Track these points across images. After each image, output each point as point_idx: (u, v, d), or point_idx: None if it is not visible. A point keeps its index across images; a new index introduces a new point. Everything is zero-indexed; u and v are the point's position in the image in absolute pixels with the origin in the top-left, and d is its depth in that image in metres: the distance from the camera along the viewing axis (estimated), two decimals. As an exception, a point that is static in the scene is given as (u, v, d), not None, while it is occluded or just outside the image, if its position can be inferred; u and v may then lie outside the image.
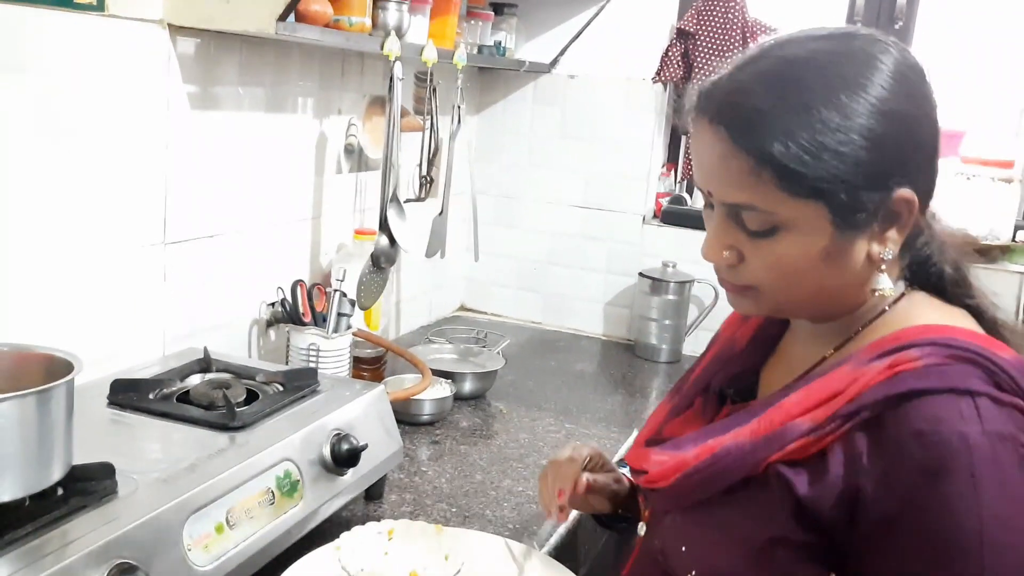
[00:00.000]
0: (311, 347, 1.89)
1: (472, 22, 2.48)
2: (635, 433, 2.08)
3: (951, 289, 1.05)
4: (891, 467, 0.89)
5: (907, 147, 0.95)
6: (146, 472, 1.20)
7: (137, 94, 1.60)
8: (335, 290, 1.94)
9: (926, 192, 0.99)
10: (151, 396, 1.46)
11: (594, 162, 2.84)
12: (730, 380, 1.17)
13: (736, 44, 2.70)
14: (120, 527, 1.06)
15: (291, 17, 1.61)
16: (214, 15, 1.59)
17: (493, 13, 2.55)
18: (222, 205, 1.85)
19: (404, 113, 2.14)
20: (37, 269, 1.46)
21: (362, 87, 2.25)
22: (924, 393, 0.89)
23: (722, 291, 2.79)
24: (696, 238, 2.73)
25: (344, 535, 1.24)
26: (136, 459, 1.24)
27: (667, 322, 2.71)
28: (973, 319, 1.02)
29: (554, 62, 2.82)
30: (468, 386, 2.16)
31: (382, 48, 1.86)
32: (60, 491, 1.10)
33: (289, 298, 1.93)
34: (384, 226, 2.02)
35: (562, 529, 1.57)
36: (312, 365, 1.84)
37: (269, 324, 2.02)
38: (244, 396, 1.49)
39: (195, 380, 1.56)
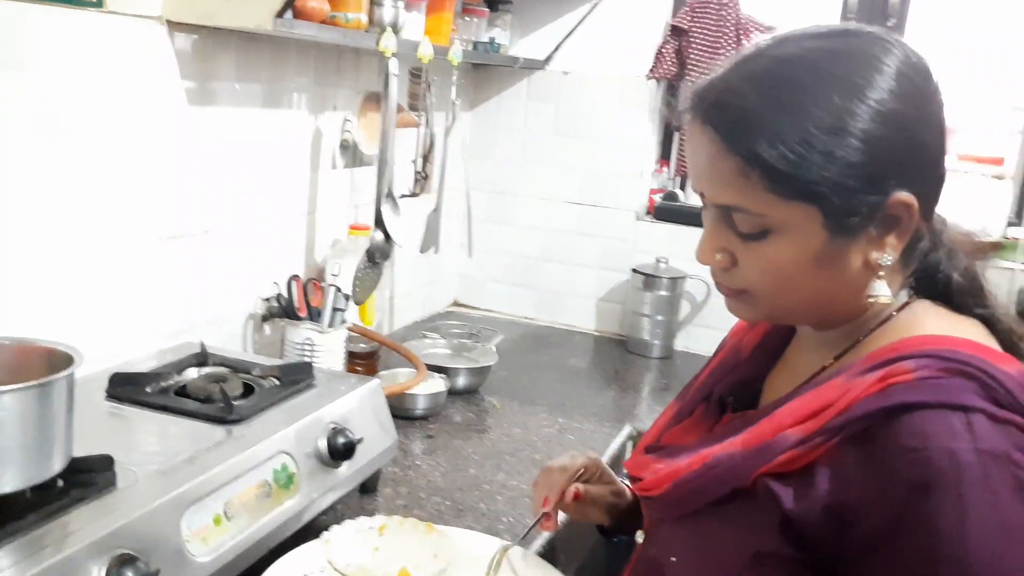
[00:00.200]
0: (306, 341, 1.90)
1: (467, 19, 2.49)
2: (627, 428, 2.10)
3: (959, 298, 1.01)
4: (877, 484, 0.85)
5: (905, 149, 0.92)
6: (145, 464, 1.21)
7: (135, 90, 1.60)
8: (330, 285, 1.95)
9: (928, 196, 0.96)
10: (149, 390, 1.47)
11: (588, 158, 2.86)
12: (733, 388, 1.15)
13: (730, 41, 2.72)
14: (120, 519, 1.07)
15: (288, 13, 1.62)
16: (213, 11, 1.60)
17: (488, 10, 2.57)
18: (218, 200, 1.86)
19: (399, 109, 2.15)
20: (36, 264, 1.47)
21: (357, 83, 2.26)
22: (915, 407, 0.85)
23: (714, 287, 2.82)
24: (689, 234, 2.79)
25: (334, 528, 1.25)
26: (135, 451, 1.25)
27: (659, 318, 2.73)
28: (984, 329, 0.98)
29: (548, 59, 2.84)
30: (462, 381, 2.18)
31: (378, 44, 1.87)
32: (60, 483, 1.11)
33: (285, 293, 1.95)
34: (379, 221, 2.03)
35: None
36: (307, 359, 1.86)
37: (264, 319, 2.03)
38: (241, 390, 1.50)
39: (192, 374, 1.58)
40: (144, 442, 1.33)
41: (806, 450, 0.90)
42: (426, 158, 2.31)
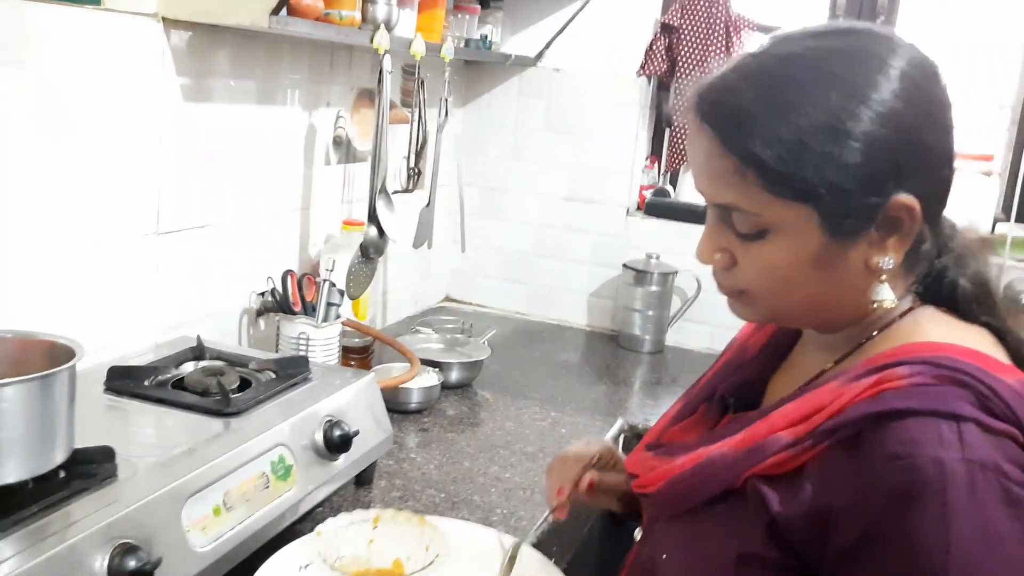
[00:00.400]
0: (301, 336, 1.92)
1: (459, 16, 2.51)
2: (619, 422, 2.12)
3: (966, 305, 0.98)
4: (863, 490, 0.84)
5: (906, 151, 0.90)
6: (144, 456, 1.22)
7: (132, 87, 1.62)
8: (324, 280, 1.97)
9: (932, 198, 0.94)
10: (147, 383, 1.48)
11: (579, 155, 2.88)
12: (736, 388, 1.14)
13: (719, 39, 2.74)
14: (121, 509, 1.09)
15: (283, 11, 1.64)
16: (208, 9, 1.62)
17: (479, 7, 2.58)
18: (213, 196, 1.87)
19: (391, 105, 2.16)
20: (33, 259, 1.49)
21: (350, 80, 2.28)
22: (905, 414, 0.84)
23: (705, 282, 2.83)
24: (679, 230, 2.81)
25: (329, 520, 1.26)
26: (134, 443, 1.27)
27: (650, 313, 2.75)
28: (992, 338, 0.96)
29: (539, 56, 2.85)
30: (455, 375, 2.20)
31: (371, 42, 1.88)
32: (62, 474, 1.12)
33: (279, 288, 1.96)
34: (373, 217, 2.05)
35: (549, 516, 1.61)
36: (302, 354, 1.87)
37: (259, 313, 2.04)
38: (237, 383, 1.51)
39: (189, 368, 1.59)
40: (143, 434, 1.35)
41: (796, 453, 0.89)
42: (419, 154, 2.33)
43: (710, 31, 2.74)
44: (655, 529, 1.09)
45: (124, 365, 1.51)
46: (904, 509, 0.81)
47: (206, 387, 1.47)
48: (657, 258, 2.76)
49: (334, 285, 1.98)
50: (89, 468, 1.15)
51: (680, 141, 2.88)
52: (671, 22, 2.76)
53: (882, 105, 0.89)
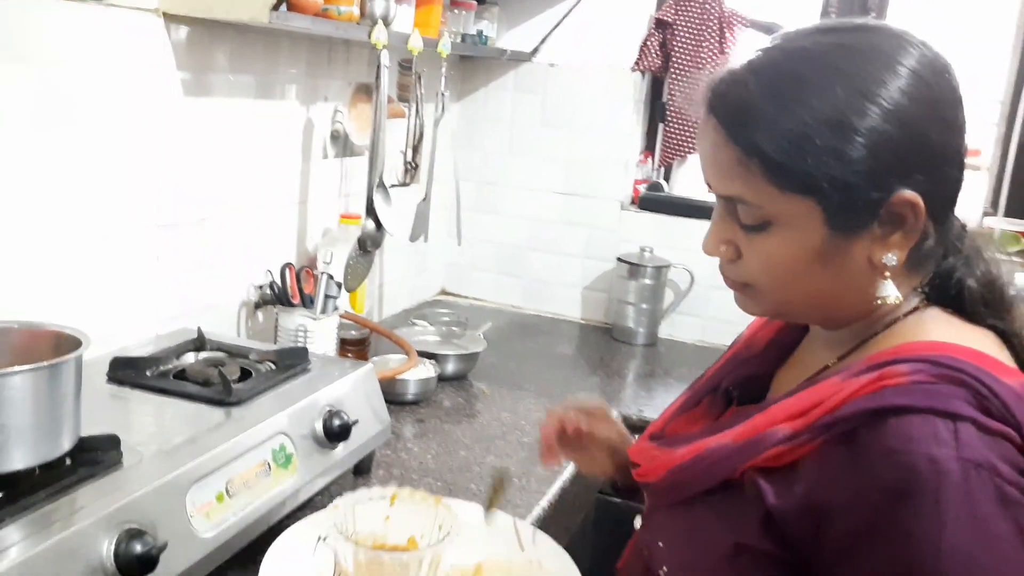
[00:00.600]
0: (299, 328, 1.94)
1: (455, 11, 2.52)
2: (613, 414, 2.14)
3: (973, 307, 0.98)
4: (858, 485, 0.85)
5: (911, 148, 0.90)
6: (148, 444, 1.24)
7: (133, 81, 1.64)
8: (322, 272, 1.99)
9: (938, 197, 0.93)
10: (149, 373, 1.50)
11: (573, 149, 2.90)
12: (741, 382, 1.14)
13: (713, 34, 2.77)
14: (127, 495, 1.10)
15: (283, 6, 1.66)
16: (209, 4, 1.63)
17: (476, 2, 2.60)
18: (213, 189, 1.90)
19: (388, 100, 2.18)
20: (35, 251, 1.51)
21: (347, 75, 2.30)
22: (903, 411, 0.84)
23: (697, 275, 2.85)
24: (673, 224, 2.84)
25: (346, 495, 1.28)
26: (138, 432, 1.29)
27: (644, 306, 2.78)
28: (998, 341, 0.96)
29: (535, 51, 2.88)
30: (451, 367, 2.22)
31: (369, 37, 1.91)
32: (68, 461, 1.14)
33: (278, 280, 1.98)
34: (371, 210, 2.07)
35: (545, 503, 1.64)
36: (300, 345, 1.89)
37: (257, 306, 2.06)
38: (238, 374, 1.54)
39: (190, 358, 1.61)
40: (146, 423, 1.37)
41: (793, 446, 0.90)
42: (416, 148, 2.35)
43: (703, 27, 2.76)
44: (655, 517, 1.11)
45: (126, 356, 1.53)
46: (897, 505, 0.82)
47: (207, 377, 1.49)
48: (651, 252, 2.78)
49: (332, 278, 2.00)
50: (95, 455, 1.17)
51: (674, 136, 2.90)
52: (665, 18, 2.78)
53: (889, 102, 0.89)
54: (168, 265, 1.80)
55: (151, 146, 1.71)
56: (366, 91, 2.30)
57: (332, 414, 1.48)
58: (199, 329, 1.69)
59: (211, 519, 1.21)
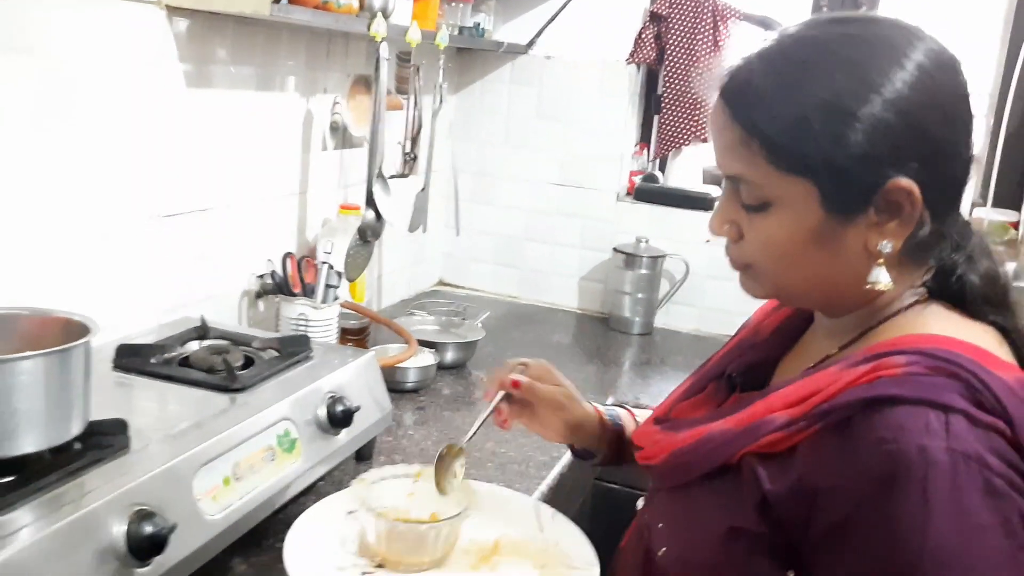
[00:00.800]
0: (300, 317, 1.96)
1: (453, 4, 2.54)
2: (610, 401, 2.17)
3: (974, 303, 0.99)
4: (848, 472, 0.86)
5: (909, 137, 0.92)
6: (155, 429, 1.26)
7: (136, 73, 1.66)
8: (323, 262, 2.01)
9: (935, 189, 0.94)
10: (153, 361, 1.52)
11: (569, 141, 2.92)
12: (745, 368, 1.16)
13: (707, 27, 2.79)
14: (136, 478, 1.12)
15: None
16: (211, -3, 1.66)
17: (472, -5, 2.63)
18: (214, 180, 1.92)
19: (387, 92, 2.20)
20: (38, 241, 1.53)
21: (346, 67, 2.32)
22: (897, 401, 0.86)
23: (693, 265, 2.87)
24: (668, 215, 2.86)
25: (372, 471, 1.31)
26: (144, 417, 1.30)
27: (640, 296, 2.81)
28: (998, 337, 0.98)
29: (531, 43, 2.90)
30: (450, 355, 2.25)
31: (369, 29, 1.93)
32: (77, 445, 1.16)
33: (279, 270, 2.00)
34: (371, 200, 2.09)
35: (544, 487, 1.66)
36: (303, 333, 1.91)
37: (258, 295, 2.08)
38: (242, 361, 1.55)
39: (194, 346, 1.63)
40: (152, 409, 1.39)
41: (790, 433, 0.92)
42: (414, 140, 2.37)
43: (697, 20, 2.79)
44: (656, 499, 1.14)
45: (131, 343, 1.55)
46: (886, 493, 0.83)
47: (211, 365, 1.51)
48: (646, 242, 2.81)
49: (332, 267, 2.02)
50: (104, 440, 1.18)
51: (669, 128, 2.93)
52: (659, 11, 2.81)
53: (891, 92, 0.91)
54: (170, 255, 1.82)
55: (154, 137, 1.73)
56: (364, 83, 2.32)
57: (335, 400, 1.50)
58: (202, 317, 1.71)
59: (218, 502, 1.23)
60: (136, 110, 1.67)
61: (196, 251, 1.89)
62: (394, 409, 1.78)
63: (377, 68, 2.00)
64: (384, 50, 1.98)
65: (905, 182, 0.92)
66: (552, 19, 2.85)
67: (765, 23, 2.72)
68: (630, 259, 2.79)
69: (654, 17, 2.82)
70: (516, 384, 1.32)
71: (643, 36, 2.82)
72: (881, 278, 0.96)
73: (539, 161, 2.96)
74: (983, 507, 0.82)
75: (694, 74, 2.78)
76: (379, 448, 1.74)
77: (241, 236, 2.03)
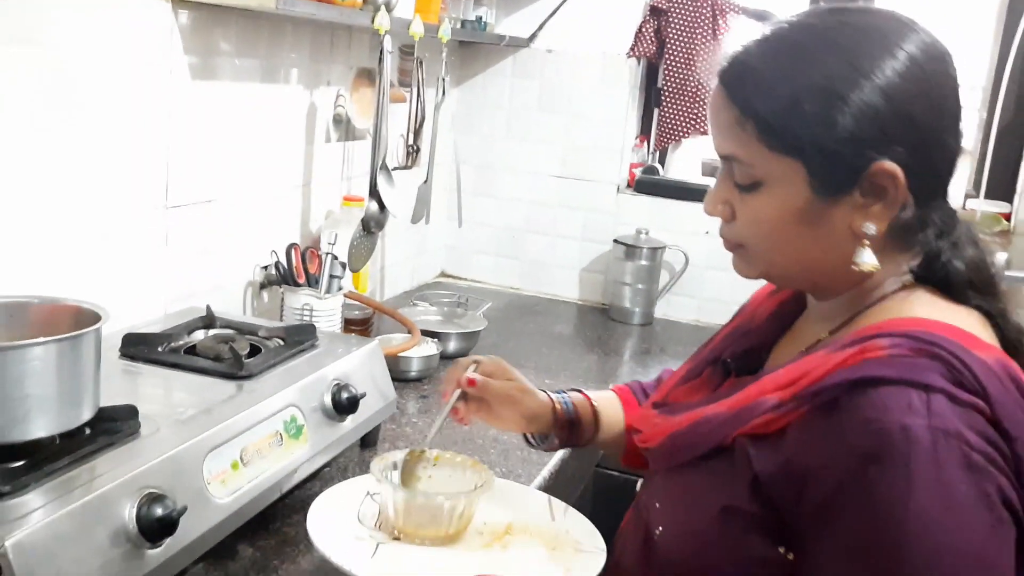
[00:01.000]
0: (305, 307, 1.98)
1: (455, -2, 2.57)
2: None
3: (960, 289, 1.02)
4: (835, 451, 0.89)
5: (895, 123, 0.95)
6: (164, 415, 1.28)
7: (141, 64, 1.68)
8: (327, 253, 2.03)
9: (920, 175, 0.97)
10: (160, 349, 1.54)
11: (570, 134, 2.94)
12: (741, 353, 1.19)
13: (706, 21, 2.81)
14: (146, 462, 1.14)
15: (288, -8, 1.70)
16: (217, -10, 1.68)
17: (475, -12, 2.65)
18: (219, 171, 1.94)
19: (390, 85, 2.22)
20: (46, 231, 1.54)
21: (349, 60, 2.33)
22: (880, 382, 0.88)
23: (692, 256, 2.89)
24: (668, 206, 2.88)
25: (392, 452, 1.33)
26: (153, 404, 1.32)
27: (640, 286, 2.83)
28: (982, 321, 1.00)
29: (532, 37, 2.92)
30: (453, 345, 2.26)
31: (373, 22, 1.94)
32: (88, 430, 1.18)
33: (284, 260, 2.03)
34: (374, 192, 2.11)
35: (545, 472, 1.68)
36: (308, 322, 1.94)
37: (263, 286, 2.10)
38: (248, 349, 1.58)
39: (200, 335, 1.65)
40: (160, 396, 1.41)
41: (780, 414, 0.95)
42: (417, 132, 2.39)
43: (697, 14, 2.80)
44: (654, 481, 1.17)
45: (138, 332, 1.57)
46: (870, 468, 0.87)
47: (218, 353, 1.53)
48: (646, 233, 2.83)
49: (336, 258, 2.04)
50: (114, 425, 1.20)
51: (668, 121, 2.95)
52: (659, 5, 2.82)
53: (880, 78, 0.94)
54: (176, 246, 1.84)
55: (159, 129, 1.75)
56: (367, 76, 2.34)
57: (340, 387, 1.52)
58: (208, 307, 1.73)
59: (227, 486, 1.25)
60: (142, 102, 1.69)
61: (201, 242, 1.91)
62: (398, 398, 1.80)
63: (380, 61, 2.02)
64: (387, 43, 2.00)
65: (890, 165, 0.96)
66: (553, 13, 2.87)
67: (763, 17, 2.74)
68: (630, 250, 2.82)
69: (654, 11, 2.84)
70: (472, 382, 1.36)
71: (643, 30, 2.84)
72: (866, 259, 0.99)
73: (540, 153, 2.98)
74: (963, 481, 0.85)
75: (693, 68, 2.80)
76: (383, 435, 1.76)
77: (246, 227, 2.05)
